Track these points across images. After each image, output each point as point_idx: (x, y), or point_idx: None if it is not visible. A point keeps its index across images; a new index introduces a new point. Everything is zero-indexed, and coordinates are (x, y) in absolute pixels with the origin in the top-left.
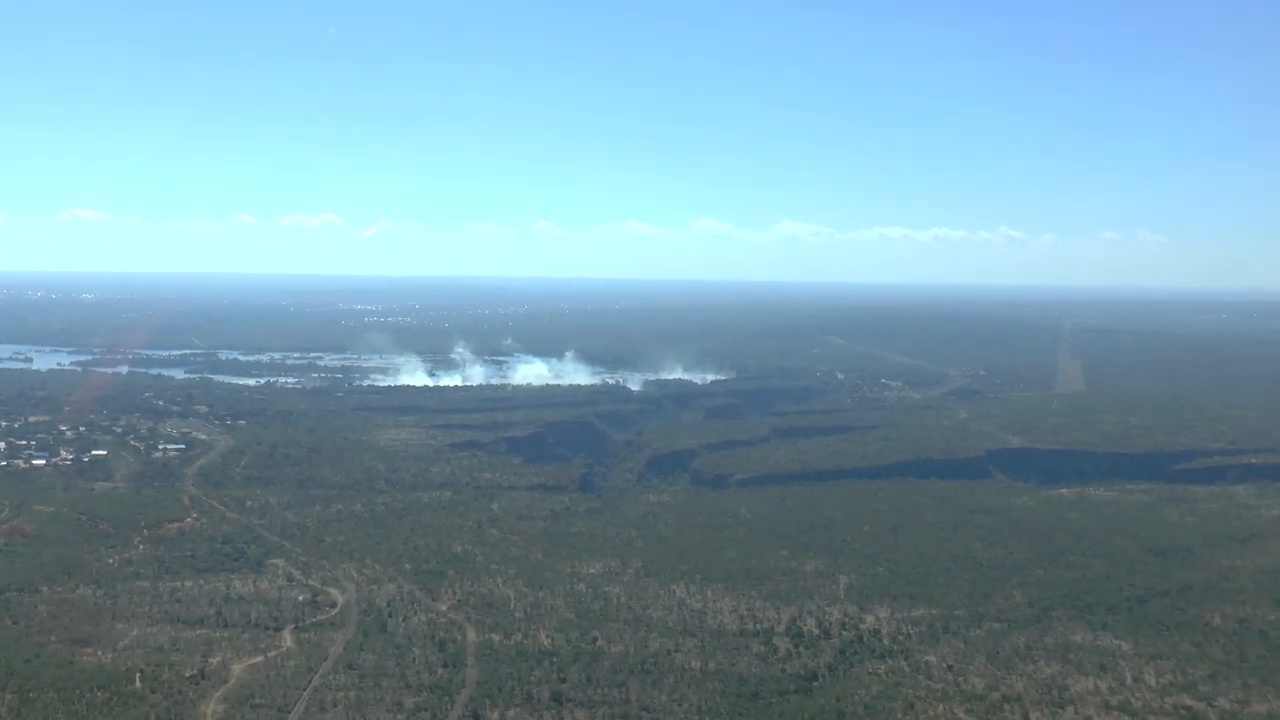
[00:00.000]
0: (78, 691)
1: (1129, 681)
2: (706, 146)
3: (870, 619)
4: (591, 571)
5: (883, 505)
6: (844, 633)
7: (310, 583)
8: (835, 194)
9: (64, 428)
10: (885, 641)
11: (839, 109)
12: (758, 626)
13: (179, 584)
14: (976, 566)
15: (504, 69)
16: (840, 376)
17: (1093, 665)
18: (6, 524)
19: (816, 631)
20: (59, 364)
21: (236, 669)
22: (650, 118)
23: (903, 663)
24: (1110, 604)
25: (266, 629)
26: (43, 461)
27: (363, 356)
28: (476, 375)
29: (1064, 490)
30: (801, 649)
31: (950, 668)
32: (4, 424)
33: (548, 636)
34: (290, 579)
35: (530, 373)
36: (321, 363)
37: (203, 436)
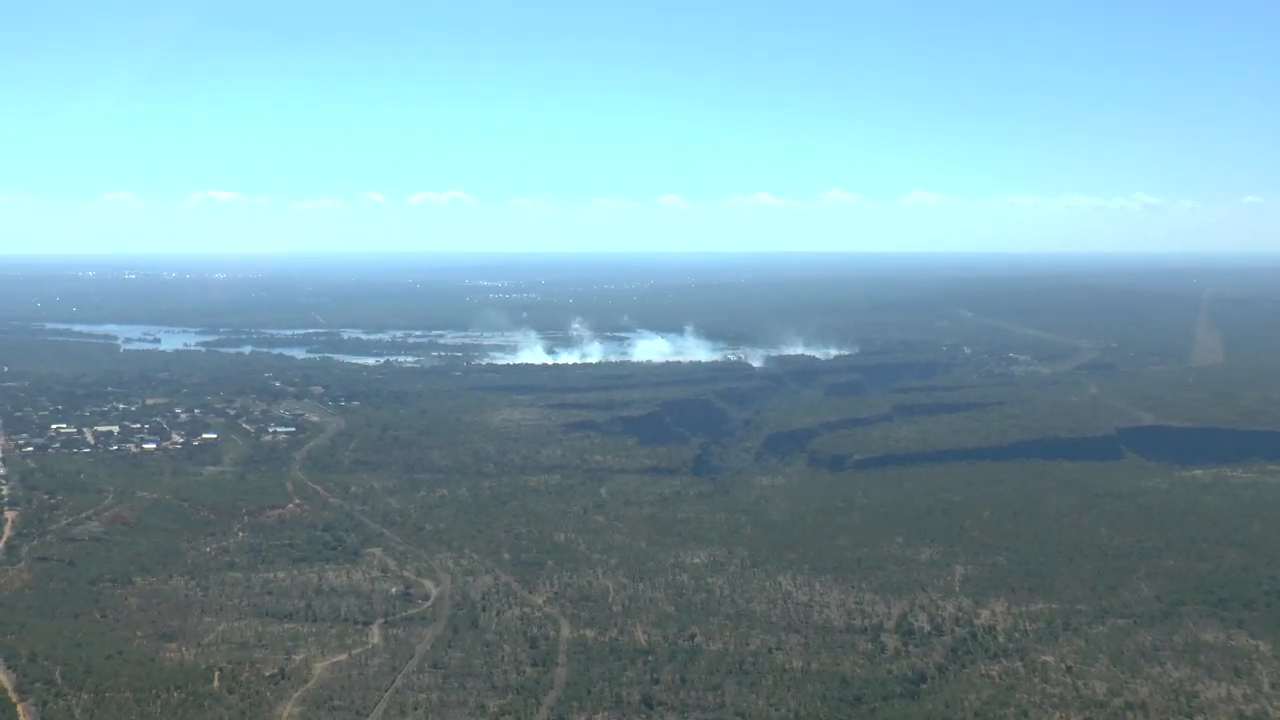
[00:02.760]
0: (154, 691)
1: (1266, 688)
2: (836, 115)
3: (985, 614)
4: (696, 561)
5: (1004, 488)
6: (957, 629)
7: (405, 574)
8: (965, 162)
9: (179, 410)
10: (1000, 639)
11: (969, 76)
12: (866, 622)
13: (272, 575)
14: (1101, 556)
15: (630, 42)
16: (967, 351)
17: (1226, 669)
18: (109, 511)
19: (928, 628)
20: (185, 344)
21: (318, 667)
22: (777, 88)
23: (1018, 663)
24: (1247, 599)
25: (355, 623)
26: (153, 445)
27: (484, 334)
28: (596, 352)
29: (1199, 471)
30: (911, 647)
31: (1069, 669)
32: (122, 407)
33: (644, 633)
34: (385, 570)
35: (650, 349)
36: (442, 340)
37: (315, 418)
